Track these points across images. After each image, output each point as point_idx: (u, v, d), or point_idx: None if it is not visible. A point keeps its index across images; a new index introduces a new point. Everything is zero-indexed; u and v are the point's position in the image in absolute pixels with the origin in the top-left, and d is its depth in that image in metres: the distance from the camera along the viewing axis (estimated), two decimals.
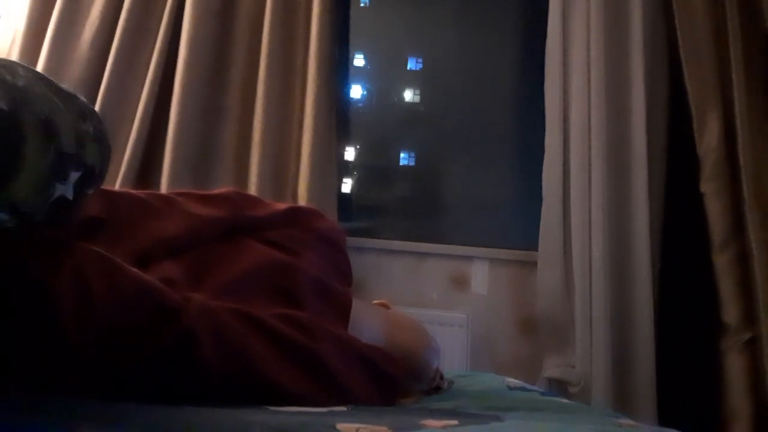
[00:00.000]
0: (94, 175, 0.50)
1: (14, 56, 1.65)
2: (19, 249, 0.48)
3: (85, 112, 0.51)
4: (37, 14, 1.70)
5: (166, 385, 0.53)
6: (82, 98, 0.52)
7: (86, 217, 0.65)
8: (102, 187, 0.62)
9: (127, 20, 1.67)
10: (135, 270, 0.54)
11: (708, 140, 1.61)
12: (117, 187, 1.58)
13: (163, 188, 1.59)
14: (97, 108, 1.62)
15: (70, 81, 1.64)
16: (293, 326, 0.62)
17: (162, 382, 0.52)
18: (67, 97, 0.49)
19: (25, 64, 0.50)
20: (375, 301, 0.98)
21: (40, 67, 1.59)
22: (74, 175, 0.47)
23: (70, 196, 0.46)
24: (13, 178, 0.42)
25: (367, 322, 0.82)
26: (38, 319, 0.47)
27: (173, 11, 1.70)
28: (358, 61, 2.09)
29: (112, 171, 1.62)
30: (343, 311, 0.77)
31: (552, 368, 1.65)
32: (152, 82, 1.66)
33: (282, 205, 0.84)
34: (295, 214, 0.83)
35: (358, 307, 0.81)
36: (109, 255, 0.53)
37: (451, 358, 1.63)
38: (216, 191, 0.81)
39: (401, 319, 0.91)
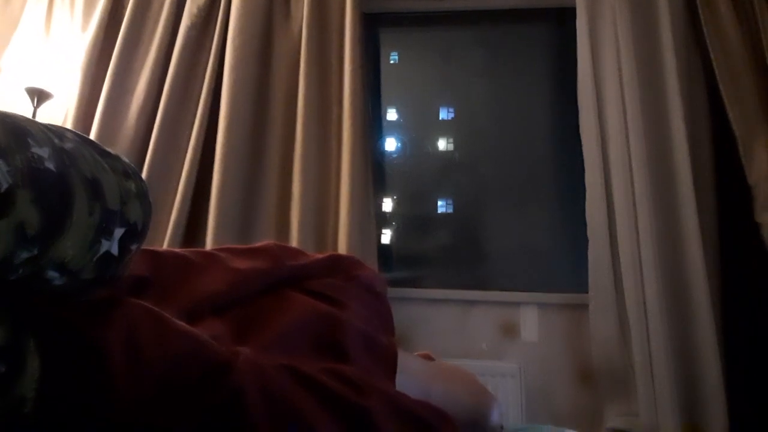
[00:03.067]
0: (137, 231, 0.51)
1: None
2: (70, 306, 0.49)
3: (128, 171, 0.52)
4: (88, 91, 1.81)
5: None
6: (125, 159, 0.54)
7: (133, 276, 0.66)
8: (147, 247, 0.64)
9: (171, 92, 1.76)
10: (183, 324, 0.54)
11: (758, 169, 1.55)
12: (164, 247, 1.62)
13: (208, 247, 1.62)
14: (144, 173, 1.69)
15: (119, 150, 1.71)
16: (341, 382, 0.60)
17: None
18: (111, 157, 0.51)
19: (72, 129, 0.52)
20: (417, 353, 0.94)
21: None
22: (118, 232, 0.48)
23: (115, 252, 0.47)
24: (61, 237, 0.43)
25: (414, 375, 0.78)
26: (91, 379, 0.47)
27: (212, 81, 1.78)
28: (391, 115, 2.13)
29: (160, 232, 1.67)
30: (390, 365, 0.74)
31: (614, 418, 1.55)
32: (195, 147, 1.72)
33: (322, 255, 0.83)
34: (336, 262, 0.82)
35: (402, 359, 0.78)
36: (158, 310, 0.53)
37: (505, 410, 1.56)
38: (256, 245, 0.81)
39: (450, 369, 0.87)
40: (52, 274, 0.44)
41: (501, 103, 2.09)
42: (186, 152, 1.74)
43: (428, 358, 0.91)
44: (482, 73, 2.13)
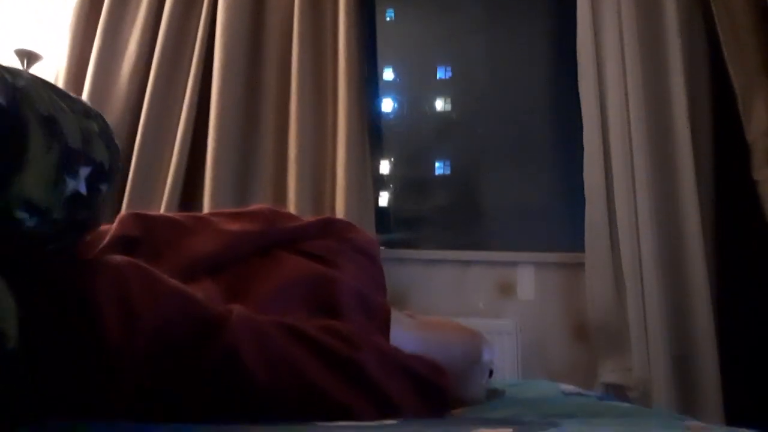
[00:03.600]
0: (105, 171, 0.51)
1: None
2: (57, 260, 0.49)
3: (89, 112, 0.53)
4: (77, 52, 1.77)
5: (214, 403, 0.52)
6: (86, 102, 0.55)
7: (123, 236, 0.66)
8: (137, 211, 0.65)
9: (162, 52, 1.73)
10: (176, 282, 0.54)
11: (756, 126, 1.54)
12: (162, 209, 1.62)
13: (206, 210, 1.62)
14: (138, 136, 1.68)
15: (112, 113, 1.70)
16: (334, 336, 0.61)
17: (210, 400, 0.52)
18: (71, 99, 0.52)
19: (32, 73, 0.52)
20: (405, 311, 0.96)
21: None
22: (84, 171, 0.48)
23: (83, 191, 0.48)
24: (18, 172, 0.43)
25: (406, 330, 0.80)
26: (83, 332, 0.47)
27: (204, 41, 1.74)
28: (388, 74, 2.10)
29: (156, 196, 1.67)
30: (383, 322, 0.76)
31: (608, 373, 1.59)
32: (189, 109, 1.70)
33: (315, 218, 0.83)
34: (329, 224, 0.83)
35: (395, 315, 0.79)
36: (149, 267, 0.53)
37: (501, 367, 1.59)
38: (249, 208, 0.81)
39: (438, 321, 0.89)
40: (21, 214, 0.44)
41: (499, 62, 2.06)
42: (180, 114, 1.72)
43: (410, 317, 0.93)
44: (480, 30, 2.08)
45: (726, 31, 1.58)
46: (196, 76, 1.72)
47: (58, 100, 0.49)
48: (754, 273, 1.54)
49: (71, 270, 0.49)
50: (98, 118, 0.54)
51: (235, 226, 0.74)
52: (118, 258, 0.54)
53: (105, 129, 0.53)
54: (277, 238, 0.76)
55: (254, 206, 0.82)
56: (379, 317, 0.76)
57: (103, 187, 0.51)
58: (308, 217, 0.85)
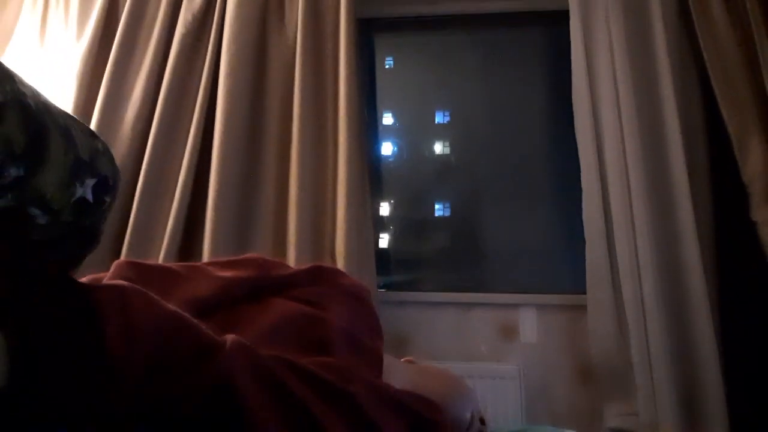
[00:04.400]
0: (108, 184, 0.56)
1: None
2: (62, 269, 0.50)
3: (93, 133, 0.59)
4: (83, 100, 1.81)
5: (206, 425, 0.51)
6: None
7: (117, 278, 0.67)
8: (131, 260, 0.70)
9: (166, 99, 1.77)
10: (174, 306, 0.55)
11: (752, 167, 1.56)
12: (162, 255, 1.62)
13: (206, 254, 1.62)
14: (140, 181, 1.69)
15: (116, 158, 1.71)
16: (326, 370, 0.61)
17: (202, 422, 0.51)
18: (78, 120, 0.57)
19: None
20: (403, 359, 0.96)
21: None
22: (90, 181, 0.53)
23: (89, 198, 0.51)
24: (42, 168, 0.47)
25: (397, 374, 0.80)
26: (83, 337, 0.46)
27: (208, 87, 1.78)
28: (387, 119, 2.14)
29: (156, 239, 1.67)
30: (375, 364, 0.75)
31: (614, 417, 1.56)
32: (191, 153, 1.73)
33: (305, 266, 0.85)
34: (320, 272, 0.84)
35: (387, 361, 0.79)
36: (146, 290, 0.54)
37: (505, 411, 1.56)
38: (241, 257, 0.83)
39: (429, 369, 0.89)
40: (35, 210, 0.48)
41: (496, 106, 2.10)
42: (182, 159, 1.74)
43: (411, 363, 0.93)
44: (477, 76, 2.14)
45: (718, 76, 1.63)
46: (198, 121, 1.75)
47: (68, 117, 0.55)
48: (757, 313, 1.53)
49: (74, 282, 0.50)
50: (101, 140, 0.59)
51: (227, 273, 0.75)
52: (120, 280, 0.55)
53: (107, 150, 0.59)
54: (268, 285, 0.77)
55: (247, 255, 0.84)
56: (371, 359, 0.76)
57: (107, 199, 0.56)
58: (300, 266, 0.86)
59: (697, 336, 1.53)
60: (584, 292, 1.64)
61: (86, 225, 0.55)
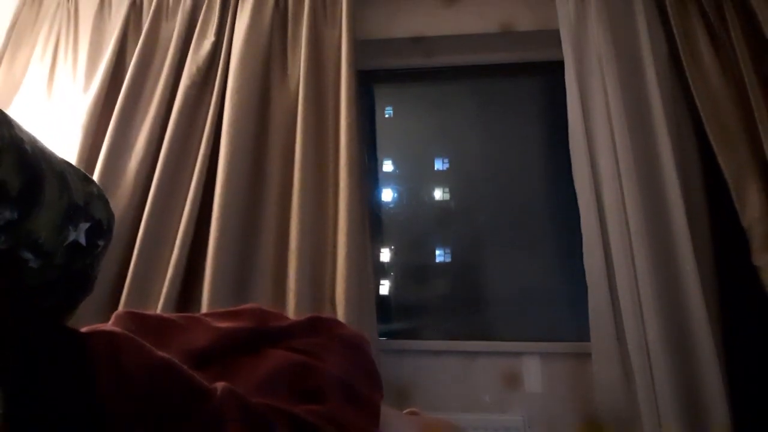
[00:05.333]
0: (102, 228, 0.56)
1: None
2: (55, 317, 0.50)
3: (88, 178, 0.60)
4: (87, 149, 1.84)
5: None
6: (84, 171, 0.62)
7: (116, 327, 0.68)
8: (131, 310, 0.70)
9: (169, 149, 1.79)
10: (165, 354, 0.55)
11: (751, 212, 1.57)
12: (161, 304, 1.61)
13: (205, 302, 1.61)
14: (141, 228, 1.70)
15: (117, 208, 1.73)
16: (317, 418, 0.60)
17: None
18: (73, 166, 0.59)
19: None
20: (406, 410, 0.94)
21: None
22: (84, 225, 0.54)
23: (83, 242, 0.52)
24: (36, 211, 0.48)
25: (397, 426, 0.78)
26: (74, 385, 0.46)
27: (210, 137, 1.81)
28: (387, 166, 2.17)
29: (156, 287, 1.66)
30: (372, 416, 0.74)
31: None
32: (192, 201, 1.74)
33: (303, 317, 0.85)
34: (317, 322, 0.84)
35: (387, 413, 0.78)
36: (140, 339, 0.54)
37: None
38: (240, 307, 0.84)
39: (431, 420, 0.87)
40: (27, 254, 0.48)
41: (495, 153, 2.13)
42: (184, 207, 1.75)
43: (415, 414, 0.91)
44: (475, 124, 2.18)
45: (711, 121, 1.66)
46: (200, 170, 1.77)
47: (64, 162, 0.56)
48: (763, 356, 1.51)
49: (66, 328, 0.51)
50: (96, 184, 0.61)
51: (225, 324, 0.76)
52: (112, 327, 0.56)
53: (102, 194, 0.61)
54: (265, 336, 0.77)
55: (246, 306, 0.85)
56: (367, 409, 0.75)
57: (100, 243, 0.57)
58: (298, 317, 0.87)
59: (704, 383, 1.50)
60: (589, 340, 1.62)
61: (79, 269, 0.55)
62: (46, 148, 0.55)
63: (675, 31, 1.79)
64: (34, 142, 0.52)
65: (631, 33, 1.84)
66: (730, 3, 1.79)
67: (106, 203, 0.60)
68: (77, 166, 0.62)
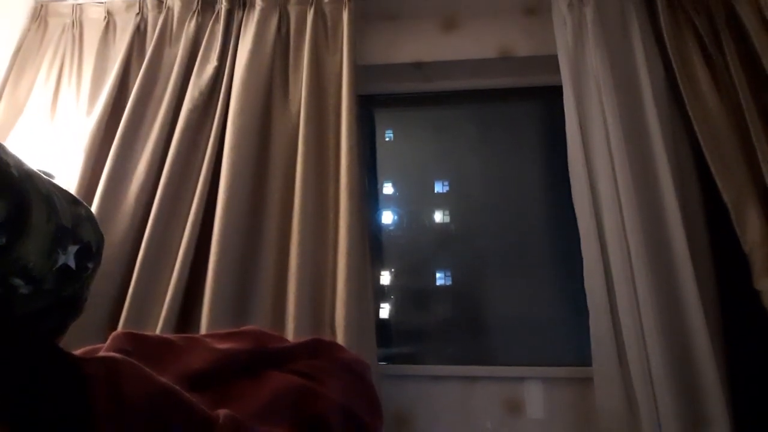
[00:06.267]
0: (92, 250, 0.56)
1: None
2: (49, 340, 0.49)
3: (76, 200, 0.59)
4: (89, 172, 1.84)
5: None
6: (73, 193, 0.61)
7: (113, 348, 0.67)
8: (129, 330, 0.70)
9: (170, 172, 1.80)
10: (165, 380, 0.54)
11: (751, 236, 1.57)
12: (160, 325, 1.60)
13: (204, 324, 1.60)
14: (141, 252, 1.69)
15: (119, 229, 1.73)
16: None
17: None
18: (60, 188, 0.58)
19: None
20: None
21: None
22: (73, 248, 0.53)
23: (72, 265, 0.51)
24: (24, 238, 0.47)
25: None
26: (72, 408, 0.45)
27: (212, 161, 1.82)
28: (387, 189, 2.17)
29: (155, 309, 1.65)
30: None
31: None
32: (192, 224, 1.74)
33: (303, 339, 0.84)
34: (318, 345, 0.83)
35: None
36: (138, 363, 0.53)
37: None
38: (239, 329, 0.83)
39: None
40: (17, 281, 0.47)
41: (495, 176, 2.14)
42: (184, 229, 1.75)
43: None
44: (475, 147, 2.19)
45: (710, 147, 1.67)
46: (201, 192, 1.78)
47: (51, 185, 0.56)
48: (767, 383, 1.50)
49: (64, 353, 0.50)
50: (84, 206, 0.60)
51: (225, 345, 0.75)
52: (115, 352, 0.55)
53: (90, 216, 0.60)
54: (265, 358, 0.77)
55: (245, 327, 0.84)
56: None
57: (90, 265, 0.56)
58: (298, 339, 0.86)
59: (708, 408, 1.48)
60: (591, 365, 1.60)
61: (69, 293, 0.55)
62: (32, 170, 0.54)
63: (671, 55, 1.81)
64: (20, 165, 0.51)
65: (629, 58, 1.86)
66: (725, 28, 1.81)
67: (95, 224, 0.60)
68: (68, 189, 0.62)
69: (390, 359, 1.90)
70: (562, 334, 1.88)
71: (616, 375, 1.56)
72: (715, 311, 1.61)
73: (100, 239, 0.61)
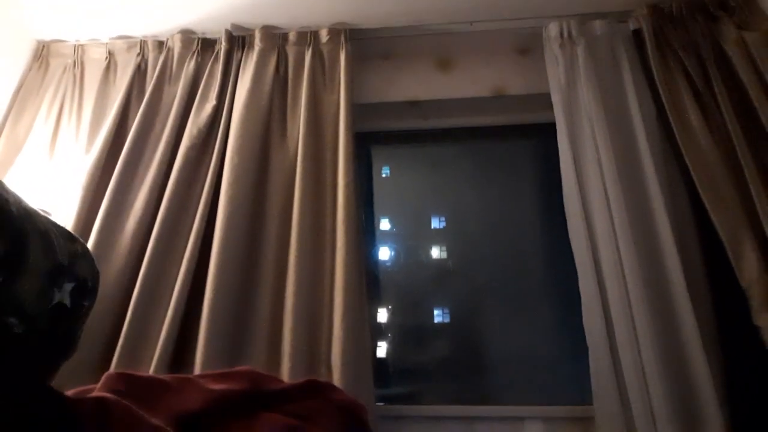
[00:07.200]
0: (87, 288, 0.55)
1: None
2: (40, 375, 0.49)
3: (73, 237, 0.59)
4: (86, 209, 1.84)
5: None
6: (69, 230, 0.62)
7: (106, 389, 0.66)
8: (122, 371, 0.69)
9: (168, 209, 1.80)
10: (156, 421, 0.53)
11: (748, 272, 1.57)
12: (153, 365, 1.57)
13: (198, 363, 1.57)
14: (136, 290, 1.68)
15: (114, 266, 1.72)
16: None
17: None
18: (57, 224, 0.58)
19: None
20: None
21: None
22: (69, 285, 0.53)
23: (68, 303, 0.51)
24: (20, 277, 0.47)
25: None
26: None
27: (209, 198, 1.83)
28: (384, 225, 2.18)
29: (149, 347, 1.62)
30: None
31: None
32: (188, 262, 1.72)
33: (298, 381, 0.83)
34: (313, 386, 0.82)
35: None
36: (130, 405, 0.52)
37: None
38: (233, 369, 0.82)
39: None
40: (11, 320, 0.46)
41: (491, 212, 2.15)
42: (180, 266, 1.73)
43: None
44: (471, 183, 2.21)
45: (704, 183, 1.68)
46: (198, 230, 1.77)
47: (49, 223, 0.56)
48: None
49: (57, 394, 0.49)
50: (80, 242, 0.60)
51: (218, 386, 0.74)
52: (107, 392, 0.54)
53: (87, 252, 0.60)
54: (259, 399, 0.76)
55: (239, 368, 0.83)
56: None
57: (86, 303, 0.56)
58: (293, 380, 0.85)
59: None
60: (592, 403, 1.58)
61: (63, 331, 0.54)
62: (30, 207, 0.55)
63: (662, 93, 1.84)
64: (18, 203, 0.51)
65: (620, 95, 1.90)
66: (714, 65, 1.85)
67: (91, 261, 0.60)
68: (64, 226, 0.62)
69: (387, 399, 1.86)
70: (562, 372, 1.85)
71: (618, 413, 1.53)
72: (715, 346, 1.59)
73: (96, 276, 0.60)
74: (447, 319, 2.02)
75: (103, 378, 0.70)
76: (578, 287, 1.68)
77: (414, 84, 2.17)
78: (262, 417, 0.71)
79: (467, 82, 2.15)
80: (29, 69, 2.24)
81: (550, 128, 1.92)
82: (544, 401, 1.74)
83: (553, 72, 1.99)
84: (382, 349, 1.96)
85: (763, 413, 1.49)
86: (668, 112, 1.82)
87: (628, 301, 1.60)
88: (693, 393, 1.51)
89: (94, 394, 0.58)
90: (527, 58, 2.16)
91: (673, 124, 1.80)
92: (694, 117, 1.79)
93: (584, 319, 1.64)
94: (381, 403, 1.82)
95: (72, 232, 0.62)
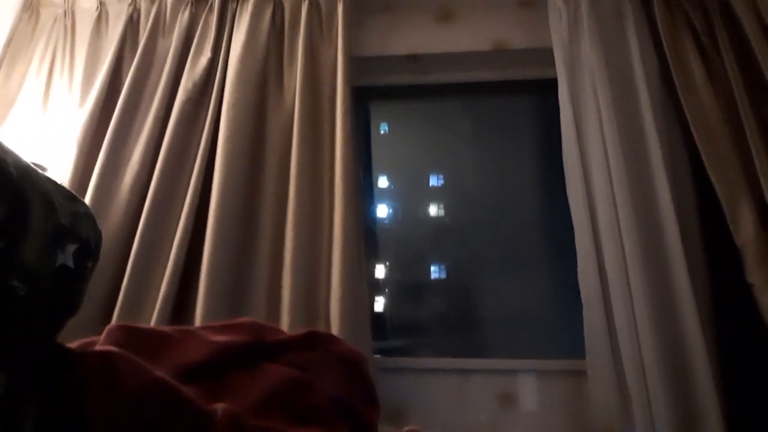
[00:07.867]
0: (90, 249, 0.55)
1: None
2: (49, 331, 0.49)
3: (74, 197, 0.58)
4: (82, 164, 1.83)
5: None
6: (70, 189, 0.61)
7: (108, 342, 0.67)
8: (124, 323, 0.69)
9: (164, 164, 1.79)
10: (160, 373, 0.54)
11: (745, 231, 1.58)
12: (154, 318, 1.59)
13: (199, 317, 1.59)
14: (135, 245, 1.69)
15: (112, 221, 1.72)
16: None
17: None
18: (59, 184, 0.57)
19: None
20: (406, 428, 0.93)
21: None
22: (71, 247, 0.52)
23: (71, 264, 0.50)
24: (22, 240, 0.46)
25: None
26: (68, 401, 0.45)
27: (206, 152, 1.81)
28: (382, 182, 2.17)
29: (149, 303, 1.64)
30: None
31: None
32: (187, 215, 1.73)
33: (299, 331, 0.84)
34: (314, 337, 0.83)
35: (384, 431, 0.77)
36: (134, 357, 0.53)
37: None
38: (235, 321, 0.83)
39: None
40: (15, 283, 0.46)
41: (490, 169, 2.14)
42: (179, 221, 1.74)
43: None
44: (470, 141, 2.19)
45: (704, 141, 1.67)
46: (195, 185, 1.77)
47: (50, 182, 0.55)
48: (759, 375, 1.51)
49: (62, 348, 0.50)
50: (81, 202, 0.59)
51: (221, 338, 0.75)
52: (110, 345, 0.55)
53: (88, 212, 0.59)
54: (261, 350, 0.77)
55: (241, 319, 0.84)
56: (364, 428, 0.74)
57: (89, 264, 0.55)
58: (295, 331, 0.86)
59: (699, 401, 1.49)
60: (585, 357, 1.61)
61: (67, 292, 0.54)
62: (30, 167, 0.53)
63: (666, 49, 1.81)
64: (18, 162, 0.50)
65: (624, 51, 1.86)
66: (720, 21, 1.82)
67: (94, 222, 0.58)
68: (64, 185, 0.61)
69: (385, 352, 1.90)
70: (556, 327, 1.89)
71: (609, 368, 1.57)
72: (708, 304, 1.62)
73: (99, 236, 0.59)
74: (443, 276, 2.04)
75: (105, 331, 0.71)
76: (574, 245, 1.69)
77: (414, 37, 2.12)
78: (263, 368, 0.72)
79: (468, 36, 2.10)
80: (19, 20, 2.18)
81: (552, 84, 1.89)
82: (538, 355, 1.78)
83: (556, 26, 1.94)
84: (379, 304, 1.99)
85: (754, 368, 1.53)
86: (672, 69, 1.78)
87: (623, 258, 1.61)
88: (683, 349, 1.55)
89: (98, 347, 0.59)
90: (529, 11, 2.11)
91: (676, 82, 1.77)
92: (698, 75, 1.76)
93: (579, 275, 1.66)
94: (378, 356, 1.86)
95: (75, 193, 0.61)
